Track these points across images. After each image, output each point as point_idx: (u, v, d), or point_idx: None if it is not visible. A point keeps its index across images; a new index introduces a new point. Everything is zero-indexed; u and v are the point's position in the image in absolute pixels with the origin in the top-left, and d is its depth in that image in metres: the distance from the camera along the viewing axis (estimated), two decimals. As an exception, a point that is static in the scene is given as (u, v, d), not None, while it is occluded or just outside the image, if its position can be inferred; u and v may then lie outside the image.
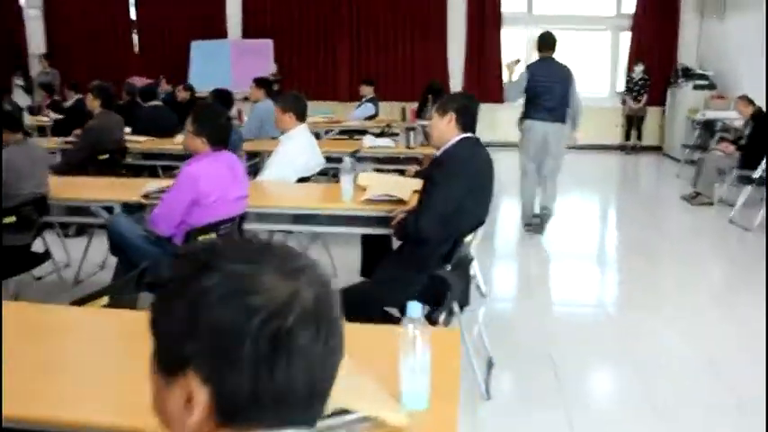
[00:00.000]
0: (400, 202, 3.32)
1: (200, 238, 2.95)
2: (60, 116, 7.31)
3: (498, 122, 10.60)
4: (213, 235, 2.98)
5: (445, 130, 2.94)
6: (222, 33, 11.27)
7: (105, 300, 2.16)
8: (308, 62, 11.25)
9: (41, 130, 7.73)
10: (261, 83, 6.43)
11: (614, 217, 7.27)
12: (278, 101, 4.29)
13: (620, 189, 8.73)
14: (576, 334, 3.73)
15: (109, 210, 3.62)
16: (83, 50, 11.22)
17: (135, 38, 11.51)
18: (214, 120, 3.04)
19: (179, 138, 5.96)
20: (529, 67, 5.55)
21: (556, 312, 4.17)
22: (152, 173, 5.71)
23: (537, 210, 5.76)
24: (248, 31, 11.28)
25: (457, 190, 2.73)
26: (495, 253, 5.43)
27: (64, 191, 3.71)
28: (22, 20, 11.10)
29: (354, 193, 3.50)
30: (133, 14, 11.38)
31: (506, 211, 6.56)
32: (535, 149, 5.51)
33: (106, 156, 5.20)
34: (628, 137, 10.34)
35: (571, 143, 5.75)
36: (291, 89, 11.01)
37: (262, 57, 10.73)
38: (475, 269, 4.26)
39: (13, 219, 3.32)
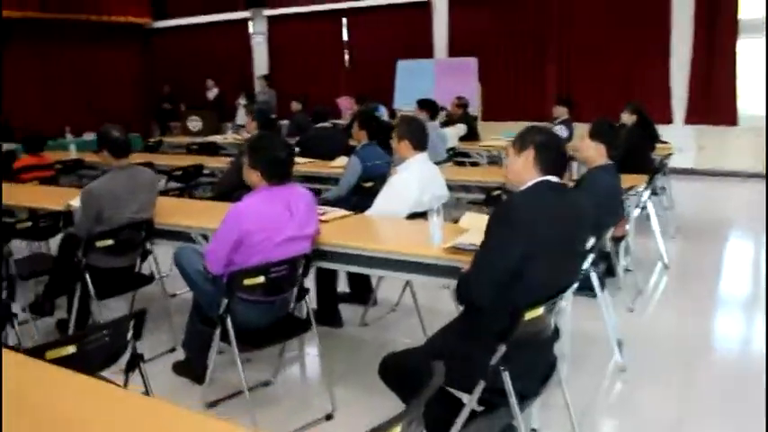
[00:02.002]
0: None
1: (246, 281, 2.69)
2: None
3: (729, 149, 9.07)
4: (261, 278, 2.71)
5: (522, 169, 2.32)
6: (429, 53, 11.23)
7: (72, 348, 1.99)
8: (515, 81, 10.75)
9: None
10: (424, 104, 6.11)
11: None
12: (396, 127, 3.91)
13: None
14: None
15: (205, 237, 3.57)
16: (299, 72, 11.95)
17: (346, 58, 11.96)
18: (270, 152, 2.76)
19: (338, 161, 5.90)
20: None
21: None
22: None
23: None
24: (454, 50, 11.09)
25: (511, 247, 2.11)
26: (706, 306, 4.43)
27: (170, 215, 3.73)
28: (249, 46, 12.19)
29: (451, 238, 2.99)
30: (345, 36, 11.84)
31: (732, 253, 5.87)
32: None
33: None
34: None
35: None
36: (492, 109, 10.65)
37: (466, 75, 10.46)
38: (612, 342, 3.49)
39: (110, 242, 3.40)
